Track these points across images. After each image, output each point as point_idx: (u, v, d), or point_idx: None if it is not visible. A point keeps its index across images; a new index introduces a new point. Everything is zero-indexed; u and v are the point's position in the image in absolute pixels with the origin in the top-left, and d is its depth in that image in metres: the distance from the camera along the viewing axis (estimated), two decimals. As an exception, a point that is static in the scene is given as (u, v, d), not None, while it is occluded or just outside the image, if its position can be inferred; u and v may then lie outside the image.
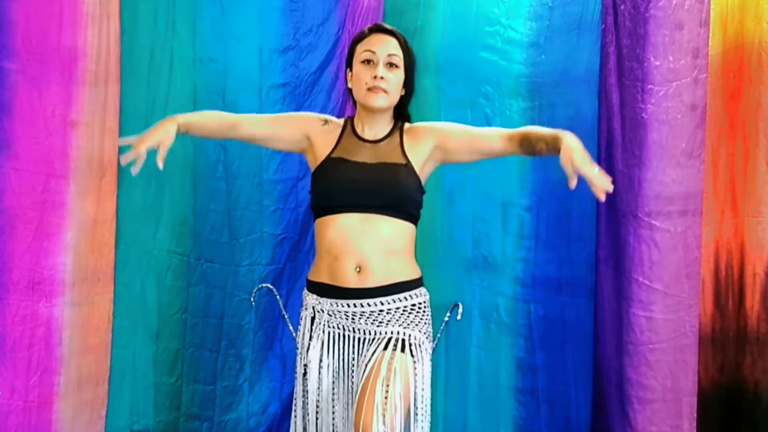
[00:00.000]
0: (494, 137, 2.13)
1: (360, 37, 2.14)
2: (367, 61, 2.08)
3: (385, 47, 2.08)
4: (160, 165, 1.96)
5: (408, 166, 2.08)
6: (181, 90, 2.87)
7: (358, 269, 2.03)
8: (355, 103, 2.18)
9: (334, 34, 2.96)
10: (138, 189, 2.85)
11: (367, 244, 2.02)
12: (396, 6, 3.03)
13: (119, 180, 2.80)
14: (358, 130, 2.15)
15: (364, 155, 2.10)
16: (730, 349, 2.82)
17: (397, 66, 2.09)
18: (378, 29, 2.14)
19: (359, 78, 2.09)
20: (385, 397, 1.91)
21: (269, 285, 2.49)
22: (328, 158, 2.11)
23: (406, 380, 1.97)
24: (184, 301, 2.92)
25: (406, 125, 2.17)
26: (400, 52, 2.10)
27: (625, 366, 2.74)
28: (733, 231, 2.81)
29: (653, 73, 2.68)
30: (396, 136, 2.14)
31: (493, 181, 2.98)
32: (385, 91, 2.07)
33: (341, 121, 2.21)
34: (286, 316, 2.37)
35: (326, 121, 2.20)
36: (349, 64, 2.16)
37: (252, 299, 2.64)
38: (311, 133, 2.17)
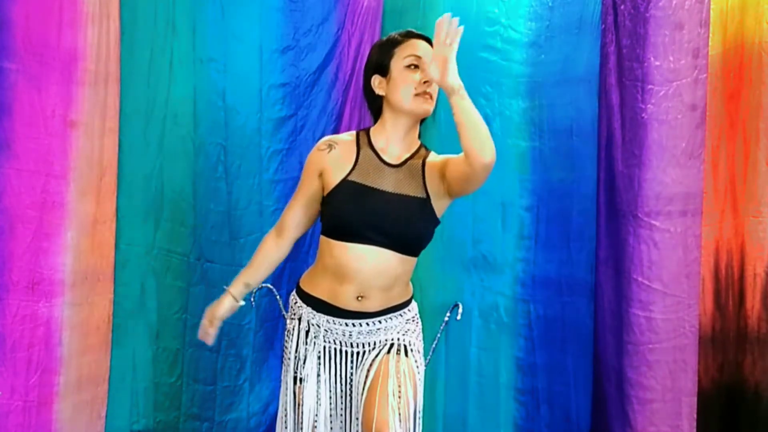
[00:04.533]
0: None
1: (395, 42, 2.04)
2: (413, 66, 2.00)
3: (429, 55, 1.98)
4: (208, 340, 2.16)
5: (427, 201, 2.00)
6: (181, 90, 2.87)
7: (359, 298, 2.01)
8: (376, 112, 2.09)
9: (333, 34, 2.96)
10: (138, 189, 2.86)
11: (373, 279, 1.99)
12: (396, 6, 3.03)
13: (119, 180, 2.80)
14: (379, 148, 2.05)
15: (385, 182, 2.01)
16: (730, 349, 2.82)
17: None
18: (415, 35, 2.05)
19: (405, 82, 1.99)
20: (399, 397, 1.92)
21: (269, 285, 2.49)
22: (346, 181, 2.01)
23: (413, 382, 1.99)
24: (184, 301, 2.92)
25: (429, 155, 2.08)
26: None
27: (625, 366, 2.75)
28: (733, 231, 2.81)
29: (653, 73, 2.68)
30: (418, 163, 2.04)
31: (493, 181, 2.95)
32: (431, 97, 2.01)
33: (351, 136, 2.10)
34: (286, 316, 2.37)
35: (330, 146, 2.07)
36: (378, 70, 2.05)
37: (252, 299, 2.63)
38: (322, 168, 2.05)
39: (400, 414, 1.90)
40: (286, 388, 2.12)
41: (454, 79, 1.83)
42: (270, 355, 2.99)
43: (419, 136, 2.12)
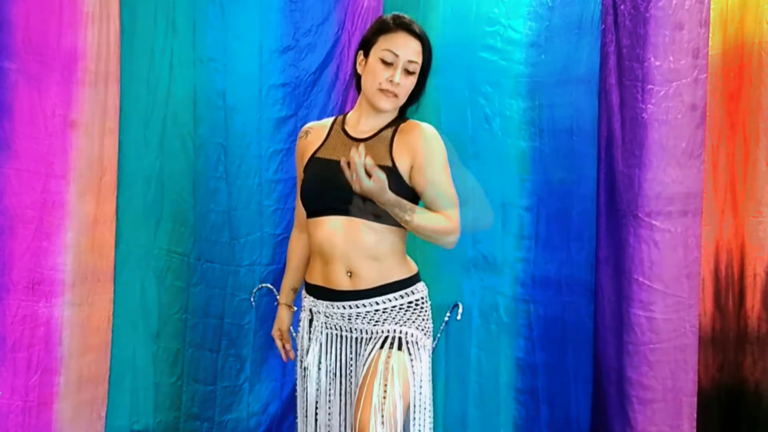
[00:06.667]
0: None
1: (385, 28, 2.05)
2: (387, 62, 2.01)
3: (409, 52, 2.02)
4: (290, 356, 2.27)
5: (393, 169, 1.99)
6: (181, 90, 2.87)
7: (349, 274, 2.02)
8: (358, 88, 2.13)
9: (333, 34, 2.96)
10: (138, 189, 2.86)
11: (353, 250, 2.00)
12: (396, 6, 3.03)
13: (119, 180, 2.80)
14: (350, 125, 2.10)
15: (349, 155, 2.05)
16: (730, 349, 2.82)
17: (413, 73, 2.04)
18: (406, 27, 2.04)
19: (374, 74, 2.02)
20: (384, 397, 1.90)
21: (269, 285, 2.49)
22: (312, 157, 2.09)
23: (404, 379, 1.95)
24: (185, 301, 2.92)
25: (403, 124, 2.08)
26: (420, 59, 2.04)
27: (625, 366, 2.74)
28: (733, 231, 2.81)
29: (653, 73, 2.68)
30: (387, 135, 2.05)
31: (493, 181, 2.97)
32: (396, 96, 2.02)
33: (329, 120, 2.18)
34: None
35: (307, 132, 2.17)
36: (364, 48, 2.08)
37: (252, 299, 2.64)
38: (302, 154, 2.15)
39: (383, 415, 1.88)
40: (296, 376, 2.20)
41: (386, 199, 1.88)
42: (270, 355, 2.99)
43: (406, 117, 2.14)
